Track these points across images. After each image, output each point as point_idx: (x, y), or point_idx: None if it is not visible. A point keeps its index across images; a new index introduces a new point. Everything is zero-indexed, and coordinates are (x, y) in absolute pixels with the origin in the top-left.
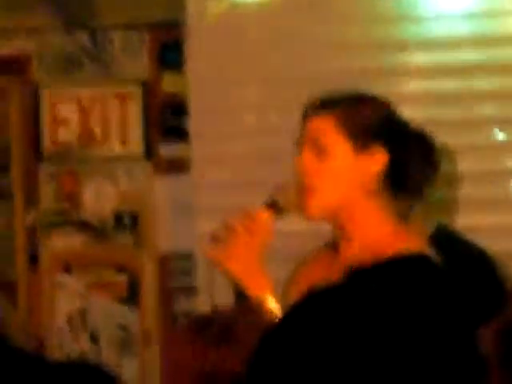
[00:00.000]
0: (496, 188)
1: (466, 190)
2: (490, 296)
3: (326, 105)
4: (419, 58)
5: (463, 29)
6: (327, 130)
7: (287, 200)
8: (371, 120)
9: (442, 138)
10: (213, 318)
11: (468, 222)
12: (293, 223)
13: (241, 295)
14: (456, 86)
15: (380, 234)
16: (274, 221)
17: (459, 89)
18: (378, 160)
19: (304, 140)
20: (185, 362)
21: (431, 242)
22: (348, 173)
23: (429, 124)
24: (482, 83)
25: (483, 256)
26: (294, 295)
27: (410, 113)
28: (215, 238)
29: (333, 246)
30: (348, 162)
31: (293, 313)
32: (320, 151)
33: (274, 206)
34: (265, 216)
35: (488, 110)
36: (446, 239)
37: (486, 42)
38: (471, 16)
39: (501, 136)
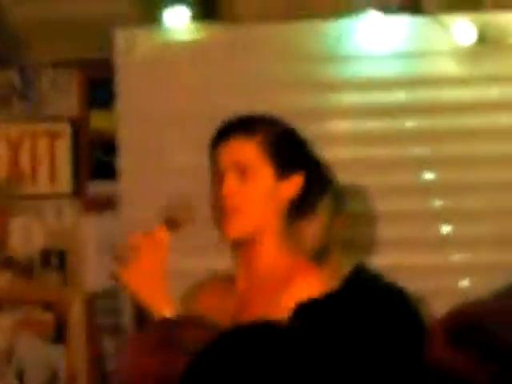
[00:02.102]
0: (422, 228)
1: (392, 230)
2: (409, 333)
3: (245, 128)
4: (348, 98)
5: (392, 69)
6: (250, 153)
7: (182, 216)
8: (291, 144)
9: (371, 177)
10: None
11: (395, 262)
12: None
13: (142, 314)
14: (385, 126)
15: (279, 264)
16: (171, 236)
17: (388, 129)
18: (295, 184)
19: (225, 164)
20: None
21: (348, 280)
22: (267, 196)
23: (358, 164)
24: (411, 123)
25: (402, 294)
26: None
27: (339, 153)
28: (118, 258)
29: (231, 279)
30: (269, 186)
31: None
32: (244, 174)
33: (170, 222)
34: (162, 233)
35: (416, 150)
36: (364, 278)
37: (415, 83)
38: (400, 56)
39: (429, 176)
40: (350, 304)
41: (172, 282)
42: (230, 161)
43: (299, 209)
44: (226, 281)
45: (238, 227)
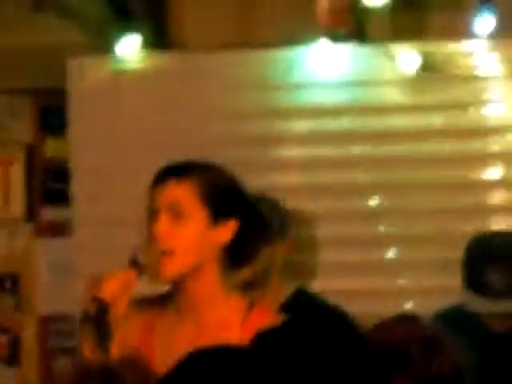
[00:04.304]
0: (367, 253)
1: (339, 254)
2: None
3: (182, 172)
4: (297, 125)
5: (340, 97)
6: (185, 196)
7: (147, 260)
8: (226, 191)
9: (319, 202)
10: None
11: (341, 286)
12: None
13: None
14: (332, 152)
15: (222, 300)
16: (138, 279)
17: (335, 155)
18: (229, 229)
19: (160, 205)
20: None
21: (288, 305)
22: (202, 238)
23: (306, 189)
24: (357, 150)
25: (346, 318)
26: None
27: (288, 178)
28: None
29: (161, 301)
30: (203, 228)
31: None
32: (177, 216)
33: (137, 266)
34: (129, 274)
35: (363, 176)
36: (305, 302)
37: (361, 110)
38: (347, 84)
39: (374, 202)
40: (304, 331)
41: None
42: (165, 202)
43: (236, 253)
44: (153, 304)
45: (172, 269)
